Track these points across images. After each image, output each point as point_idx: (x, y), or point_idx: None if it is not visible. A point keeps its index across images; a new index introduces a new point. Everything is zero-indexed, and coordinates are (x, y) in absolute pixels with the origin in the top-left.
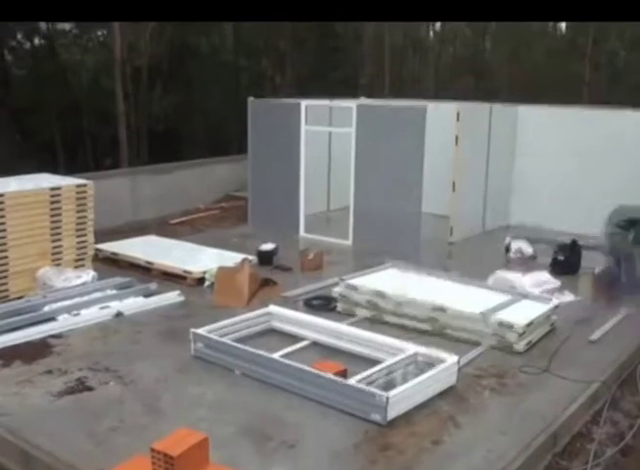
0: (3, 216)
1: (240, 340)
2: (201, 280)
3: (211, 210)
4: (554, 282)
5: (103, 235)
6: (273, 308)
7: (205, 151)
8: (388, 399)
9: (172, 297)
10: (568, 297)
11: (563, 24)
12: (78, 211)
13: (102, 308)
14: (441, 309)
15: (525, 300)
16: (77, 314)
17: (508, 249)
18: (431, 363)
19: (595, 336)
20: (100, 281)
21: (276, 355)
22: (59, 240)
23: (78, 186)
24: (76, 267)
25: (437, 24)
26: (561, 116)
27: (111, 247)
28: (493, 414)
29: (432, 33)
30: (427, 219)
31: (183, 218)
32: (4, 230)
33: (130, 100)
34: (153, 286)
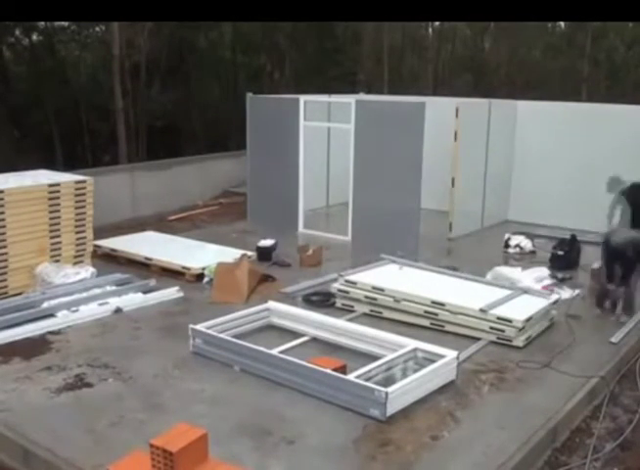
0: (2, 213)
1: (239, 336)
2: (200, 276)
3: (210, 205)
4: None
5: (101, 231)
6: (272, 304)
7: (203, 147)
8: (387, 394)
9: (171, 293)
10: (567, 292)
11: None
12: (77, 208)
13: (101, 305)
14: (440, 305)
15: (525, 295)
16: (76, 311)
17: (507, 244)
18: (430, 359)
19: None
20: (99, 277)
21: (275, 351)
22: (58, 236)
23: (77, 182)
24: (75, 264)
25: (436, 23)
26: (560, 111)
27: (109, 243)
28: (493, 409)
29: (430, 31)
30: (426, 215)
31: (182, 214)
32: (3, 227)
33: (129, 96)
34: (152, 282)
